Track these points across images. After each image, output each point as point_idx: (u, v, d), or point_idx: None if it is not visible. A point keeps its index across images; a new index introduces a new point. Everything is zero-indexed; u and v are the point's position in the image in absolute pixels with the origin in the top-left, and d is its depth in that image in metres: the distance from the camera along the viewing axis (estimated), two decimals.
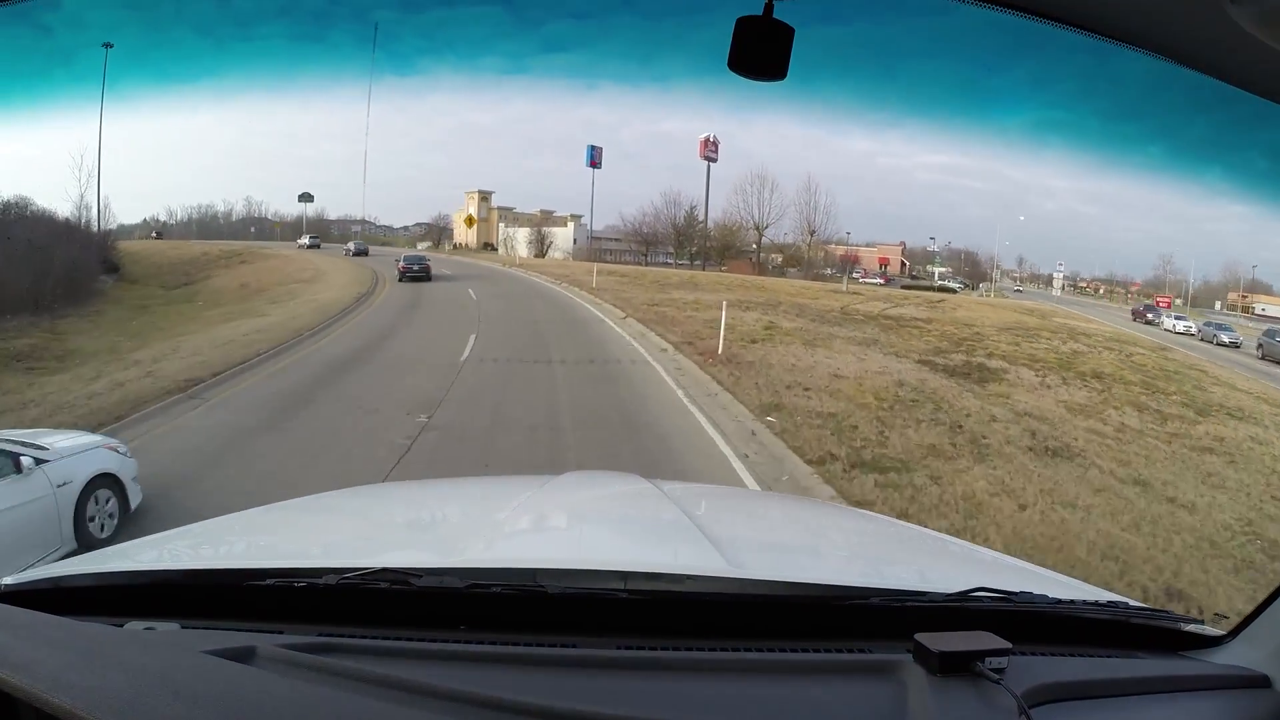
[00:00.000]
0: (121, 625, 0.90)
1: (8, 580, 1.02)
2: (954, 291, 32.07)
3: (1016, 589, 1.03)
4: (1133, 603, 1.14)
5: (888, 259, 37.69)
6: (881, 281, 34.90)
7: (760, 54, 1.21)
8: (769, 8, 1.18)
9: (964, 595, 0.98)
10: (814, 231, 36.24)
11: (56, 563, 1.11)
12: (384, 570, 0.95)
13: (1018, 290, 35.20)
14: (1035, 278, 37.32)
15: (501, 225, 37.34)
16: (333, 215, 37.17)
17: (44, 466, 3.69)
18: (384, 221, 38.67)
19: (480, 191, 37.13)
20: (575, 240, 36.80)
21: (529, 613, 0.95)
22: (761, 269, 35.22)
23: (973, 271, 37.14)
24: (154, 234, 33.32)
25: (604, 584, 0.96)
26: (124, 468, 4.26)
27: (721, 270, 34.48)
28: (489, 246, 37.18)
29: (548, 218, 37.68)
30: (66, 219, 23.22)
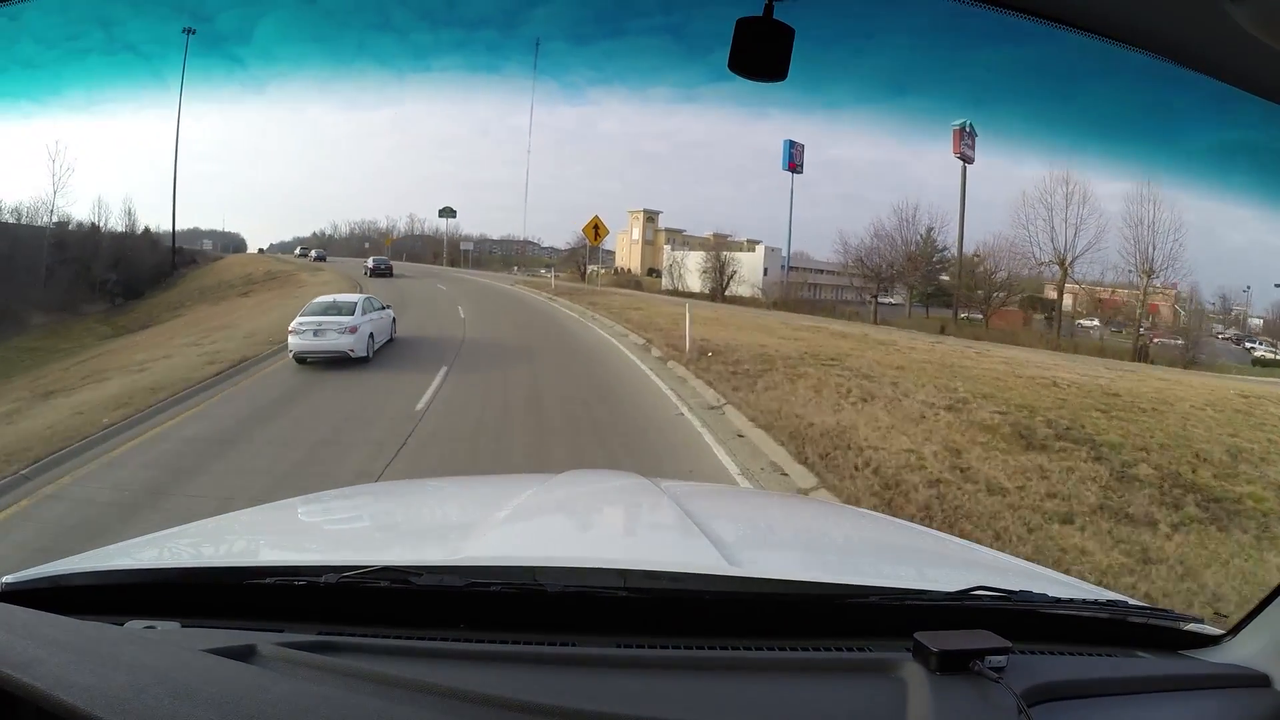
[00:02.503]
0: (122, 624, 0.90)
1: (8, 579, 1.03)
2: None
3: (1016, 588, 1.03)
4: (1132, 601, 1.13)
5: (1157, 306, 26.14)
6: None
7: (760, 55, 1.21)
8: (769, 8, 1.18)
9: (963, 594, 0.98)
10: (1151, 271, 23.15)
11: (56, 561, 1.12)
12: (384, 569, 0.95)
13: None
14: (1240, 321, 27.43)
15: (668, 248, 31.74)
16: (495, 236, 37.03)
17: (387, 310, 11.76)
18: (549, 243, 36.98)
19: (646, 211, 32.44)
20: (765, 270, 28.91)
21: (528, 611, 0.95)
22: (1023, 318, 24.12)
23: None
24: (259, 249, 35.18)
25: (603, 582, 0.96)
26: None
27: (981, 320, 24.05)
28: (654, 273, 31.17)
29: (721, 241, 31.23)
30: (33, 228, 21.43)
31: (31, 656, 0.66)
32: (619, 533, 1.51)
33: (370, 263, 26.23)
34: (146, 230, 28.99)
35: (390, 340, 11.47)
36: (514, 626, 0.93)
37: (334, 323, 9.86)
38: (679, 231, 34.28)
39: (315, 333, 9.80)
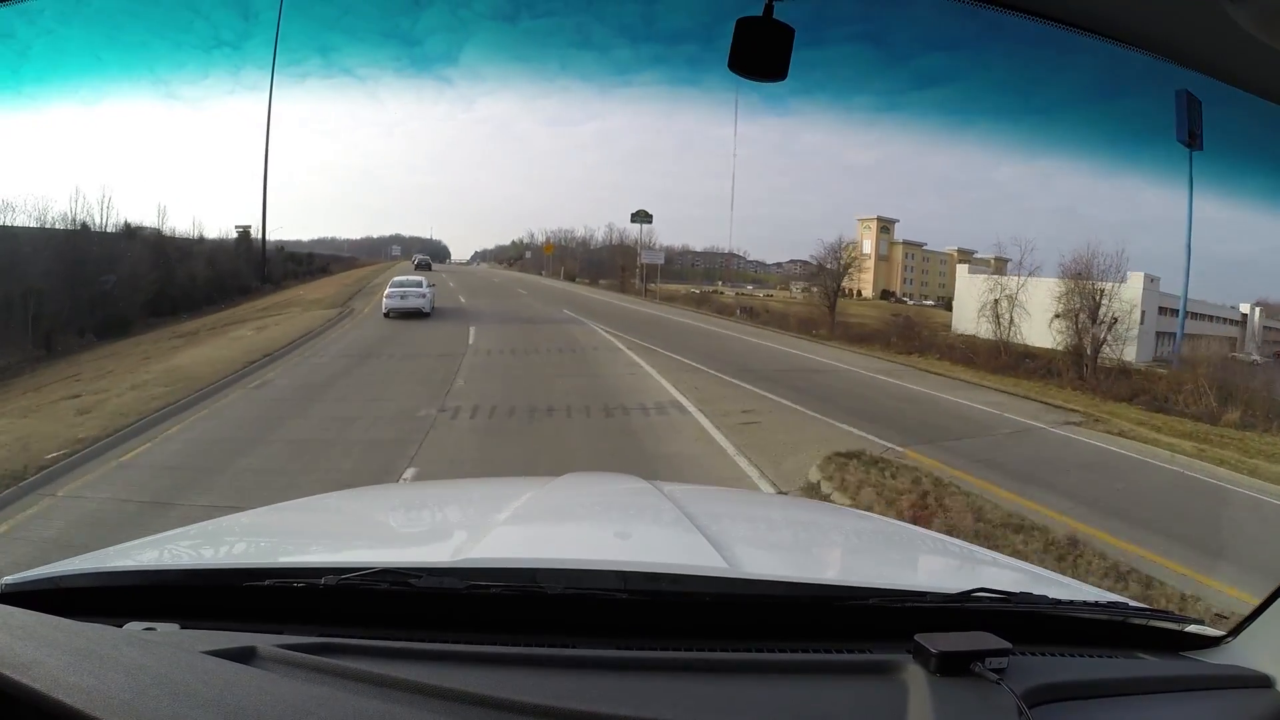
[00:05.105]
0: (121, 626, 0.90)
1: (8, 580, 1.02)
2: None
3: (1016, 589, 1.03)
4: (1132, 603, 1.13)
5: None
6: None
7: (760, 54, 1.23)
8: (769, 8, 1.19)
9: (964, 596, 0.98)
10: None
11: (56, 563, 1.13)
12: (383, 571, 0.95)
13: None
14: None
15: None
16: (699, 247, 33.10)
17: (434, 287, 17.38)
18: (754, 257, 33.55)
19: (880, 219, 25.64)
20: (1142, 315, 16.20)
21: (529, 613, 0.96)
22: None
23: None
24: (409, 258, 32.31)
25: (603, 584, 0.97)
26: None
27: None
28: (890, 295, 25.18)
29: (968, 258, 24.92)
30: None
31: (31, 658, 0.66)
32: (619, 535, 1.51)
33: (415, 259, 31.20)
34: (245, 235, 22.57)
35: (434, 308, 16.76)
36: (514, 629, 0.93)
37: (413, 292, 16.29)
38: (918, 245, 26.44)
39: (402, 297, 15.96)
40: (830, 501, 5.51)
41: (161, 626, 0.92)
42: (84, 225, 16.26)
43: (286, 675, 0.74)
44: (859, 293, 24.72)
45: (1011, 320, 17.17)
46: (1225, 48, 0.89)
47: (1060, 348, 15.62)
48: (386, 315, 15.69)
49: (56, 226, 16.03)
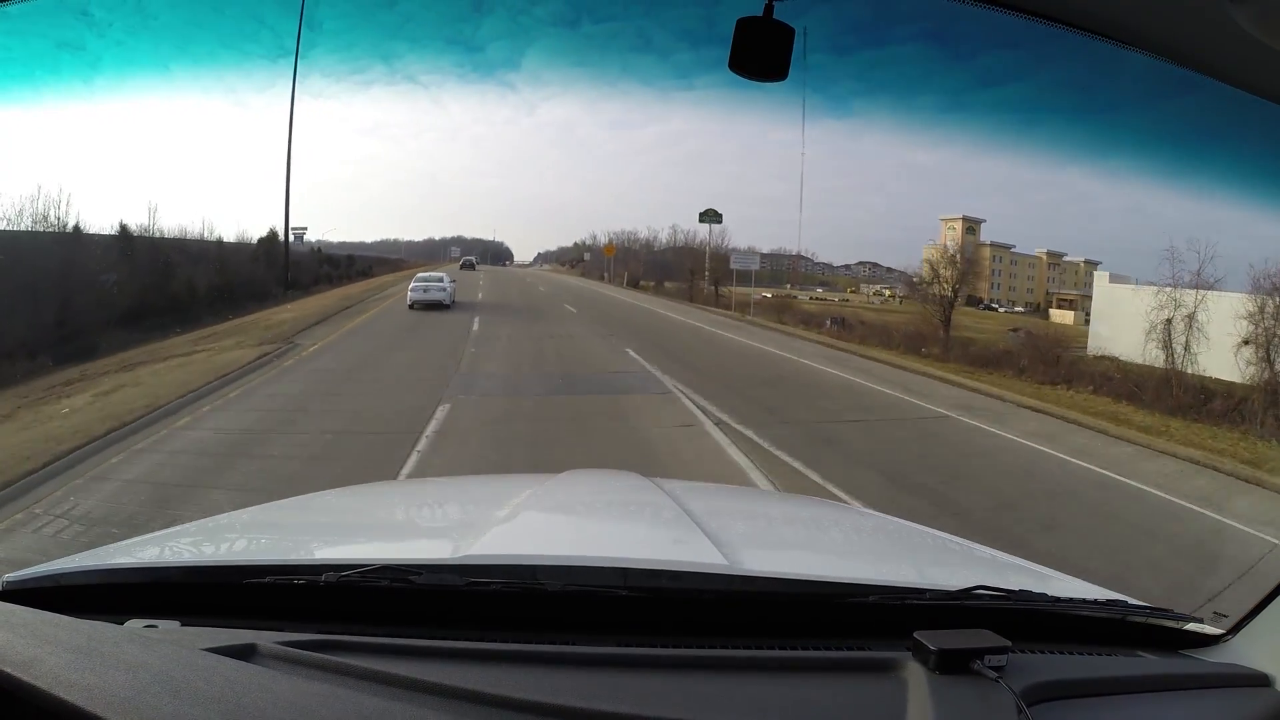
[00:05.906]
0: (122, 623, 0.90)
1: (9, 577, 1.02)
2: None
3: (1016, 587, 1.03)
4: (1132, 601, 1.13)
5: None
6: None
7: (760, 54, 1.23)
8: (769, 8, 1.19)
9: (964, 593, 0.99)
10: None
11: (58, 560, 1.13)
12: (383, 567, 0.95)
13: None
14: None
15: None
16: (765, 249, 31.21)
17: (454, 282, 20.41)
18: (822, 259, 32.70)
19: (965, 219, 23.92)
20: None
21: (529, 610, 0.96)
22: None
23: None
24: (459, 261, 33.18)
25: (603, 581, 0.97)
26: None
27: None
28: (978, 302, 23.09)
29: (1057, 261, 23.91)
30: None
31: (32, 655, 0.66)
32: (619, 531, 1.51)
33: (461, 260, 33.36)
34: (269, 237, 20.58)
35: (454, 301, 18.70)
36: (514, 625, 0.94)
37: (436, 286, 17.88)
38: (1006, 247, 24.98)
39: (425, 290, 17.62)
40: None
41: (162, 624, 0.92)
42: (76, 228, 13.80)
43: (287, 672, 0.75)
44: (942, 294, 21.31)
45: (1187, 346, 13.51)
46: (1225, 48, 0.89)
47: (1249, 381, 11.76)
48: (411, 307, 17.41)
49: (39, 230, 13.33)
